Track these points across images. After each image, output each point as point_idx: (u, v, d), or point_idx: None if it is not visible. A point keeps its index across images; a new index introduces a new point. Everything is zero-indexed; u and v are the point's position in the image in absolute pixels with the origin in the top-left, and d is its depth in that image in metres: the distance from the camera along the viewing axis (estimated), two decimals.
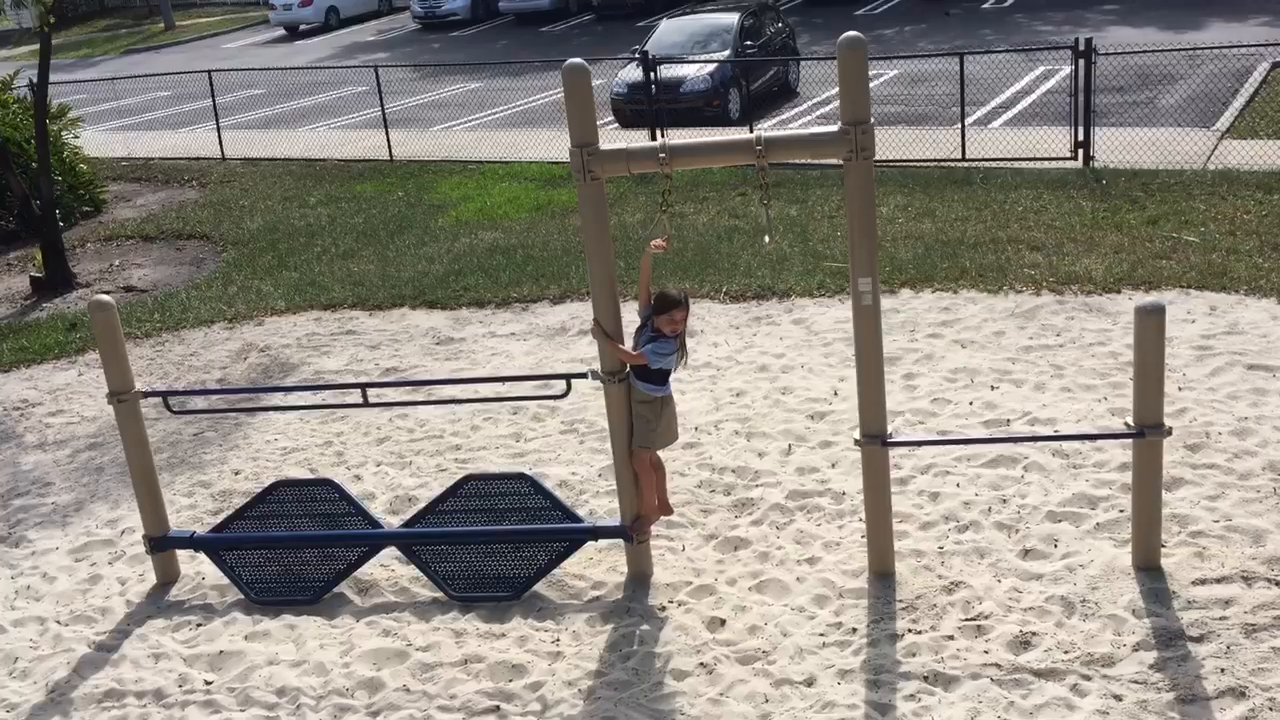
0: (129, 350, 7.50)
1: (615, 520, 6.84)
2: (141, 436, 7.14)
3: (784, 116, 19.57)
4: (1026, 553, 6.68)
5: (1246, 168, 13.66)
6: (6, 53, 39.34)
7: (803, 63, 21.31)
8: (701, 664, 6.01)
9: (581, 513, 7.29)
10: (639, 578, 6.80)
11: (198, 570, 7.36)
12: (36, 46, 14.61)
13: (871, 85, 6.26)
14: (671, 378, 6.49)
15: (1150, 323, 5.98)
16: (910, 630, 6.10)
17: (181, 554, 7.39)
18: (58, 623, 7.03)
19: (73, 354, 11.66)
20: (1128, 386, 7.35)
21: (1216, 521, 6.75)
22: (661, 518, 6.93)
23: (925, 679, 5.72)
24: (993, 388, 8.74)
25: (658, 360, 6.28)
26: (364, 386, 7.30)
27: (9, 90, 18.18)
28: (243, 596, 7.04)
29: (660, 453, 6.72)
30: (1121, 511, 6.87)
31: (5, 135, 15.70)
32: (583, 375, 6.78)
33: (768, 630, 6.22)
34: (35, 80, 14.27)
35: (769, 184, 6.23)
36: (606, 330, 6.30)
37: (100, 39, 45.45)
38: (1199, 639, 5.80)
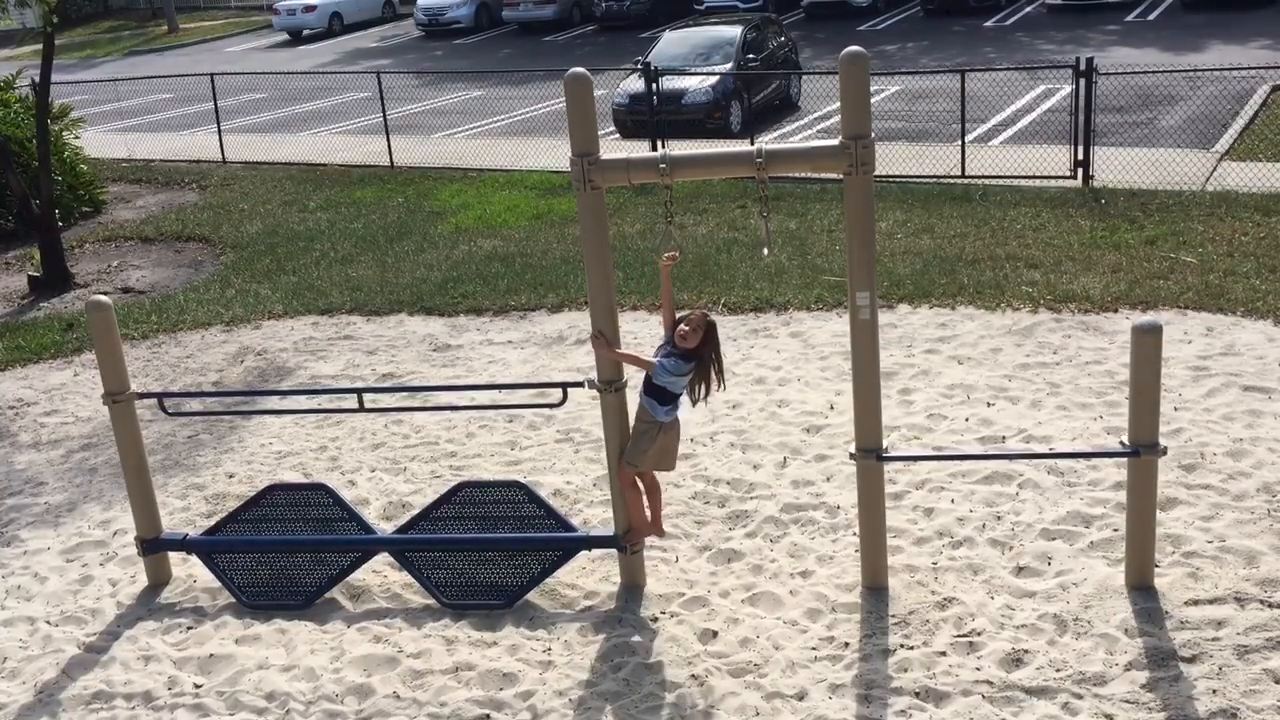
0: (125, 351, 7.48)
1: (609, 530, 6.84)
2: (136, 438, 7.13)
3: (785, 130, 19.61)
4: (1020, 570, 6.67)
5: (1245, 189, 13.70)
6: (9, 52, 39.36)
7: (804, 77, 21.36)
8: (693, 676, 6.00)
9: (575, 522, 7.27)
10: (632, 588, 6.79)
11: (189, 573, 7.34)
12: (40, 46, 14.62)
13: (873, 100, 6.27)
14: (683, 415, 6.39)
15: (1147, 342, 5.99)
16: (903, 646, 6.09)
17: (173, 556, 7.37)
18: (48, 623, 7.01)
19: (69, 354, 11.65)
20: (1123, 405, 7.35)
21: (1210, 542, 6.75)
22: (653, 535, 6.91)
23: (917, 695, 5.71)
24: (989, 404, 8.74)
25: (664, 375, 6.18)
26: (360, 392, 7.29)
27: (11, 89, 18.19)
28: (234, 600, 7.02)
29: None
30: (1115, 530, 6.87)
31: (6, 134, 15.70)
32: (579, 384, 6.79)
33: (760, 643, 6.21)
34: (38, 80, 14.28)
35: (769, 197, 6.23)
36: (614, 334, 6.28)
37: (103, 40, 45.49)
38: (1191, 660, 5.80)
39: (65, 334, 12.18)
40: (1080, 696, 5.61)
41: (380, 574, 7.17)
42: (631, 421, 6.45)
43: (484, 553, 6.88)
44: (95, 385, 9.86)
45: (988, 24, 29.67)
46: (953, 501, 7.43)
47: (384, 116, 19.79)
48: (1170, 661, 5.80)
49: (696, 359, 6.20)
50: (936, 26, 29.85)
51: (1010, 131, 18.05)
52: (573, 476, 8.24)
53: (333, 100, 26.31)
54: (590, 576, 6.95)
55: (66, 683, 6.42)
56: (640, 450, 6.38)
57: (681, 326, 6.18)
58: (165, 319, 12.38)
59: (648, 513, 6.68)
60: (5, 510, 8.53)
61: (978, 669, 5.86)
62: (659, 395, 6.28)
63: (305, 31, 40.39)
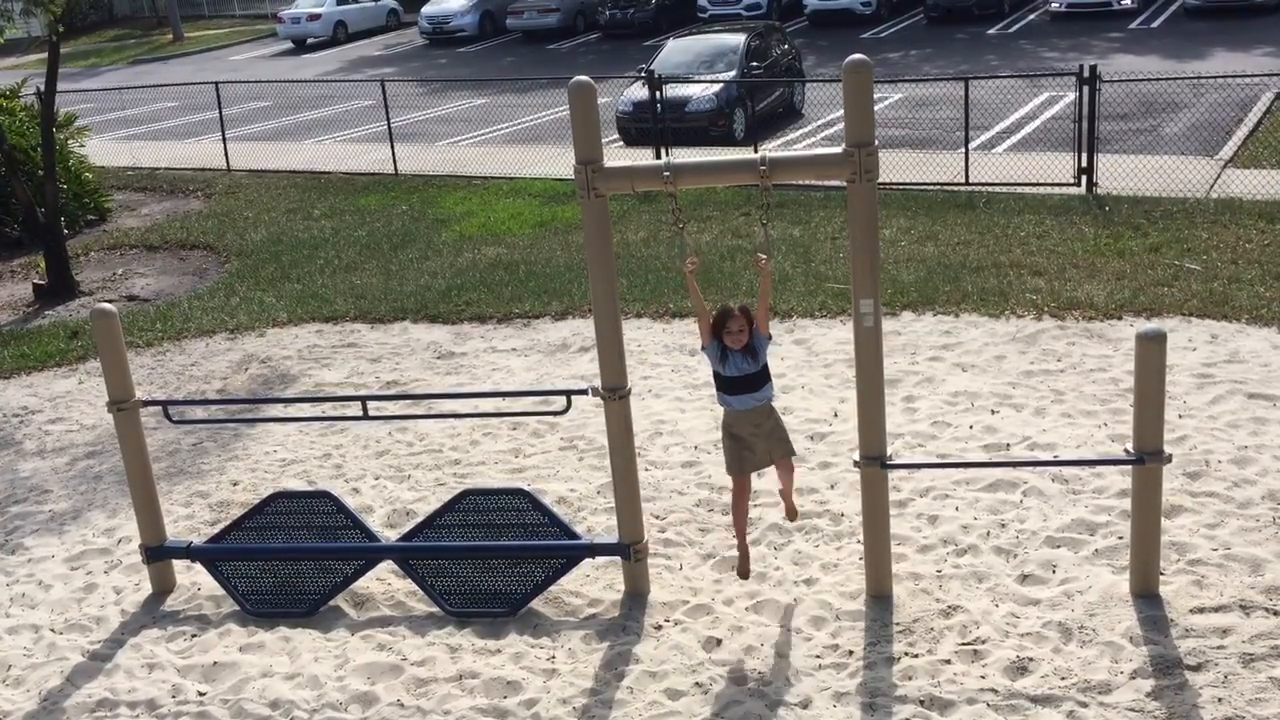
0: (130, 359, 7.50)
1: (613, 538, 6.83)
2: (140, 445, 7.14)
3: (789, 137, 19.62)
4: (1025, 578, 6.66)
5: (1249, 197, 13.69)
6: (15, 61, 39.46)
7: (808, 84, 21.35)
8: (697, 684, 5.99)
9: (579, 530, 7.27)
10: (636, 596, 6.78)
11: (193, 580, 7.34)
12: (45, 55, 14.66)
13: (876, 108, 6.27)
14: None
15: (1151, 349, 5.98)
16: (907, 654, 6.08)
17: (178, 564, 7.38)
18: (52, 631, 7.02)
19: (74, 362, 11.67)
20: (1128, 413, 7.34)
21: (1215, 550, 6.74)
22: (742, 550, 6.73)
23: (921, 703, 5.70)
24: (993, 412, 8.74)
25: (765, 344, 6.19)
26: (364, 399, 7.30)
27: (17, 98, 18.24)
28: (238, 608, 7.02)
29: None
30: (1120, 538, 6.86)
31: (12, 143, 15.74)
32: (583, 392, 6.78)
33: (764, 651, 6.20)
34: (43, 88, 14.32)
35: (771, 204, 6.23)
36: (618, 342, 6.26)
37: (109, 49, 45.60)
38: (1196, 668, 5.79)
39: (70, 342, 12.20)
40: (1085, 705, 5.60)
41: (384, 581, 7.17)
42: (623, 429, 6.44)
43: (488, 560, 6.87)
44: (100, 393, 9.86)
45: (991, 31, 29.68)
46: (957, 509, 7.42)
47: (388, 124, 19.83)
48: (1175, 670, 5.78)
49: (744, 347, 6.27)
50: (940, 34, 29.87)
51: (1014, 139, 18.06)
52: (576, 484, 8.23)
53: (337, 108, 26.36)
54: (594, 584, 6.95)
55: (70, 690, 6.42)
56: (728, 455, 6.39)
57: (732, 326, 6.13)
58: (170, 327, 12.40)
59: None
60: (10, 518, 8.53)
61: (982, 677, 5.85)
62: (723, 385, 6.27)
63: (310, 40, 40.48)
